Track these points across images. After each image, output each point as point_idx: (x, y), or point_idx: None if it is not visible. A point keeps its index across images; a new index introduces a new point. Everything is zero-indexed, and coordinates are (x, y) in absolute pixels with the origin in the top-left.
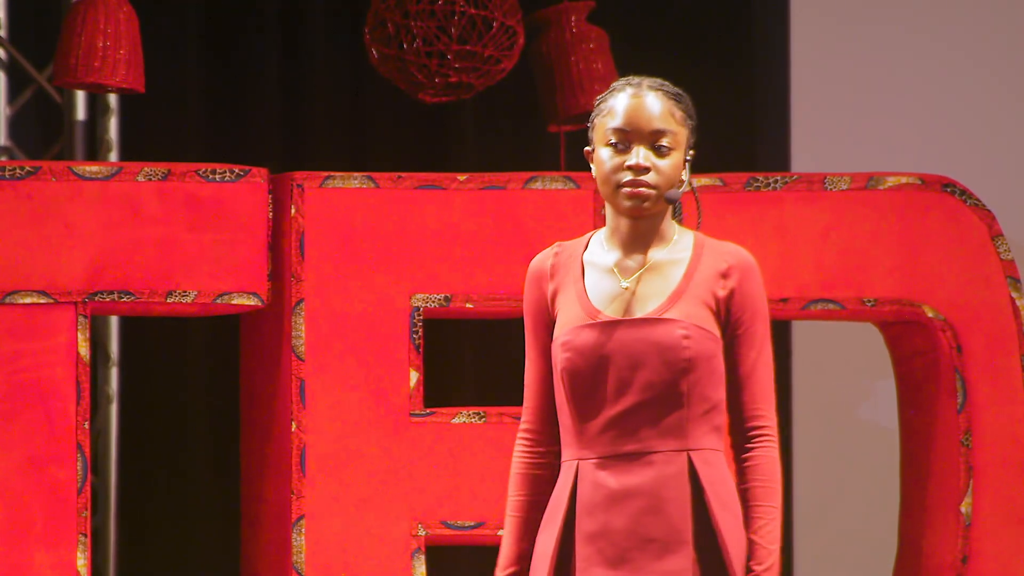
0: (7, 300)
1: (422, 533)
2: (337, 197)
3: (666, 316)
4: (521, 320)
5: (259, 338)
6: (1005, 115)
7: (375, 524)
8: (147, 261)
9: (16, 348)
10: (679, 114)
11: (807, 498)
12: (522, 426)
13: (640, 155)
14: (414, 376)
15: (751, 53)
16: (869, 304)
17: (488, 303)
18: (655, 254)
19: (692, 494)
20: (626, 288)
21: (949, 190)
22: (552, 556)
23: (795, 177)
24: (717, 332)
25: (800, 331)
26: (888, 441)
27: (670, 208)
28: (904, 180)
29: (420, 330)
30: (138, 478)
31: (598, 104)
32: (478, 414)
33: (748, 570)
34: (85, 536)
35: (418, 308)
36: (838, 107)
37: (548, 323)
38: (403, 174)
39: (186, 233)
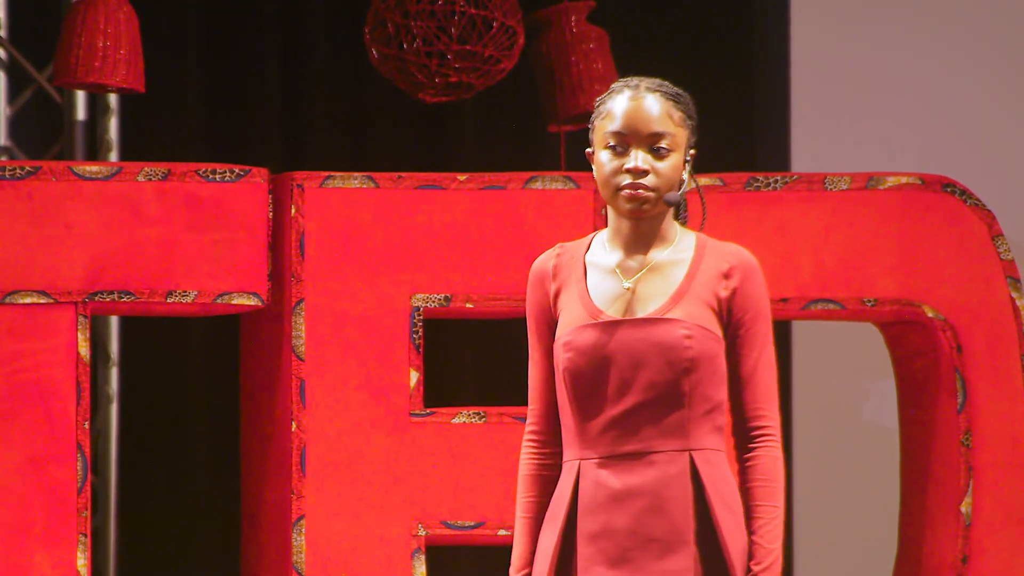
0: (7, 300)
1: (422, 533)
2: (337, 197)
3: (668, 316)
4: (521, 320)
5: (259, 338)
6: (1005, 115)
7: (375, 524)
8: (147, 261)
9: (16, 348)
10: (678, 115)
11: (807, 498)
12: (528, 427)
13: (639, 158)
14: (414, 376)
15: (751, 53)
16: (869, 304)
17: (488, 303)
18: (657, 255)
19: (694, 494)
20: (628, 288)
21: (949, 190)
22: (553, 555)
23: (795, 177)
24: (719, 332)
25: (800, 331)
26: (888, 441)
27: (671, 209)
28: (904, 180)
29: (420, 330)
30: (138, 478)
31: (597, 106)
32: (478, 414)
33: (748, 570)
34: (85, 536)
35: (418, 308)
36: (838, 107)
37: (551, 324)
38: (403, 174)
39: (186, 233)
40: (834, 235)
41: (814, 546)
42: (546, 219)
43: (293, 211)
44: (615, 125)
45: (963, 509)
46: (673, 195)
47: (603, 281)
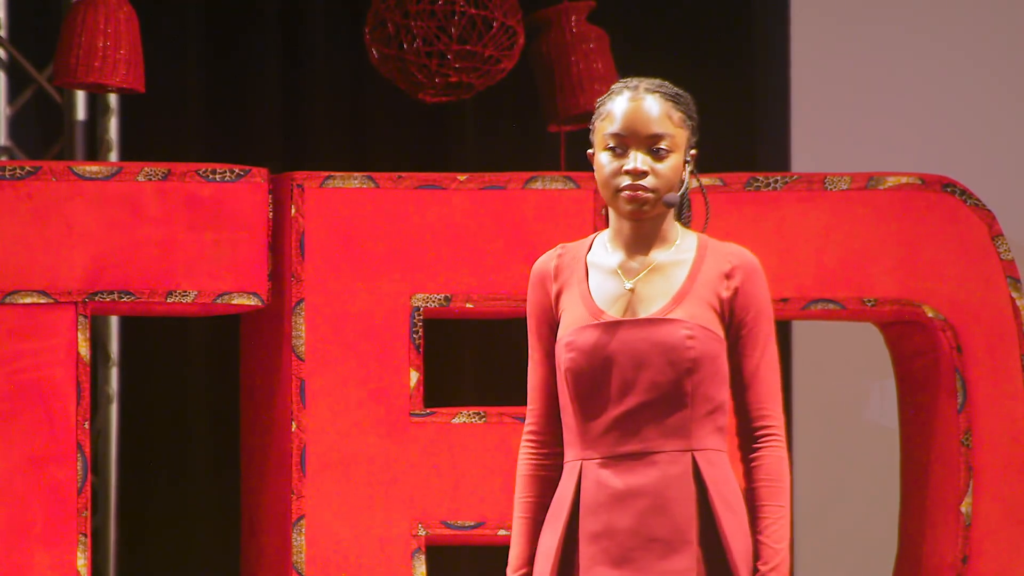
0: (7, 300)
1: (422, 533)
2: (337, 197)
3: (670, 316)
4: (521, 320)
5: (259, 338)
6: (1005, 115)
7: (375, 524)
8: (147, 261)
9: (16, 348)
10: (677, 116)
11: (807, 498)
12: (527, 428)
13: (638, 160)
14: (414, 376)
15: (751, 53)
16: (869, 304)
17: (488, 303)
18: (659, 255)
19: (696, 494)
20: (630, 289)
21: (949, 190)
22: (555, 555)
23: (795, 177)
24: (721, 333)
25: (800, 331)
26: (888, 441)
27: (672, 209)
28: (904, 180)
29: (420, 330)
30: (138, 478)
31: (598, 107)
32: (478, 414)
33: (755, 570)
34: (85, 536)
35: (418, 308)
36: (838, 107)
37: (552, 324)
38: (403, 174)
39: (186, 233)
40: (834, 235)
41: (814, 546)
42: (546, 219)
43: (293, 211)
44: (614, 127)
45: (963, 509)
46: (672, 196)
47: (605, 281)
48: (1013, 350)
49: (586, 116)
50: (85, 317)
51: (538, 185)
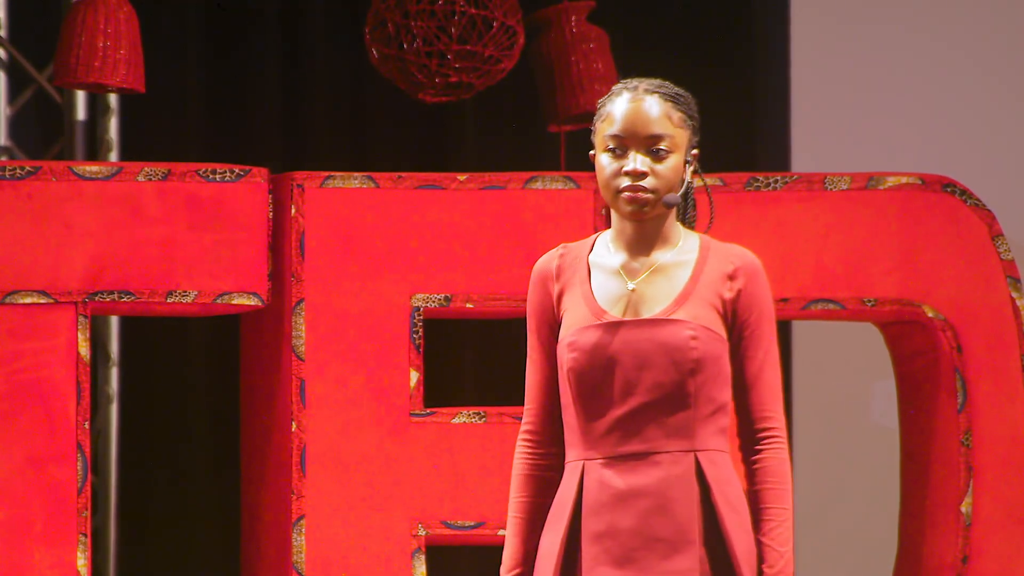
0: (7, 300)
1: (422, 533)
2: (337, 197)
3: (674, 317)
4: (521, 320)
5: (259, 338)
6: (1005, 115)
7: (375, 524)
8: (147, 261)
9: (16, 348)
10: (677, 116)
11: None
12: (524, 427)
13: (637, 161)
14: (414, 376)
15: (751, 53)
16: (869, 304)
17: (488, 303)
18: (661, 256)
19: (699, 494)
20: (632, 289)
21: (949, 190)
22: (558, 556)
23: (795, 177)
24: (724, 334)
25: (800, 331)
26: (888, 441)
27: (674, 210)
28: (904, 180)
29: (420, 330)
30: (138, 478)
31: (599, 108)
32: (478, 414)
33: (759, 572)
34: (85, 536)
35: (418, 308)
36: (838, 107)
37: (553, 324)
38: (403, 174)
39: (186, 233)
40: (834, 235)
41: (814, 546)
42: (546, 219)
43: (293, 211)
44: (614, 128)
45: (963, 509)
46: (672, 196)
47: (607, 282)
48: (1013, 350)
49: (586, 116)
50: (85, 317)
51: (538, 185)
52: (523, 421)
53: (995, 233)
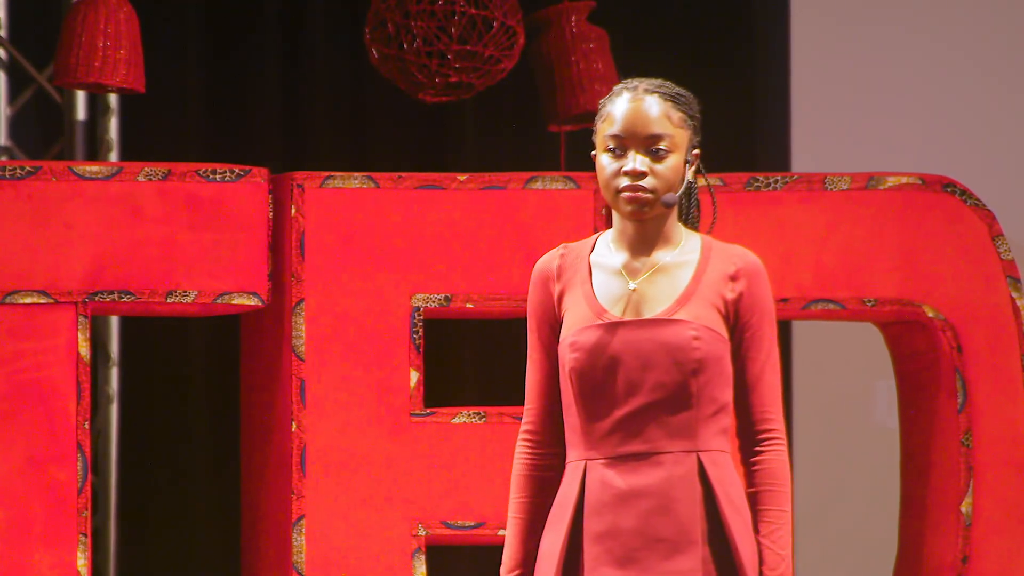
0: (7, 300)
1: (422, 533)
2: (337, 197)
3: (676, 317)
4: (521, 320)
5: (259, 338)
6: (1005, 115)
7: (375, 524)
8: (147, 261)
9: (16, 348)
10: (677, 116)
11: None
12: (524, 427)
13: (636, 160)
14: (414, 376)
15: (751, 53)
16: (869, 304)
17: (488, 303)
18: (663, 256)
19: (702, 495)
20: (634, 289)
21: (949, 190)
22: (560, 556)
23: (795, 177)
24: (725, 334)
25: (800, 331)
26: (888, 441)
27: (675, 210)
28: (904, 180)
29: (420, 330)
30: (138, 478)
31: (600, 108)
32: (478, 414)
33: (760, 575)
34: (85, 536)
35: (418, 308)
36: (838, 107)
37: (553, 324)
38: (403, 174)
39: (186, 233)
40: (834, 235)
41: (814, 546)
42: (546, 219)
43: (293, 211)
44: (614, 128)
45: (963, 509)
46: (671, 196)
47: (608, 282)
48: (1013, 350)
49: (586, 116)
50: (85, 317)
51: (538, 185)
52: (523, 421)
53: (995, 233)
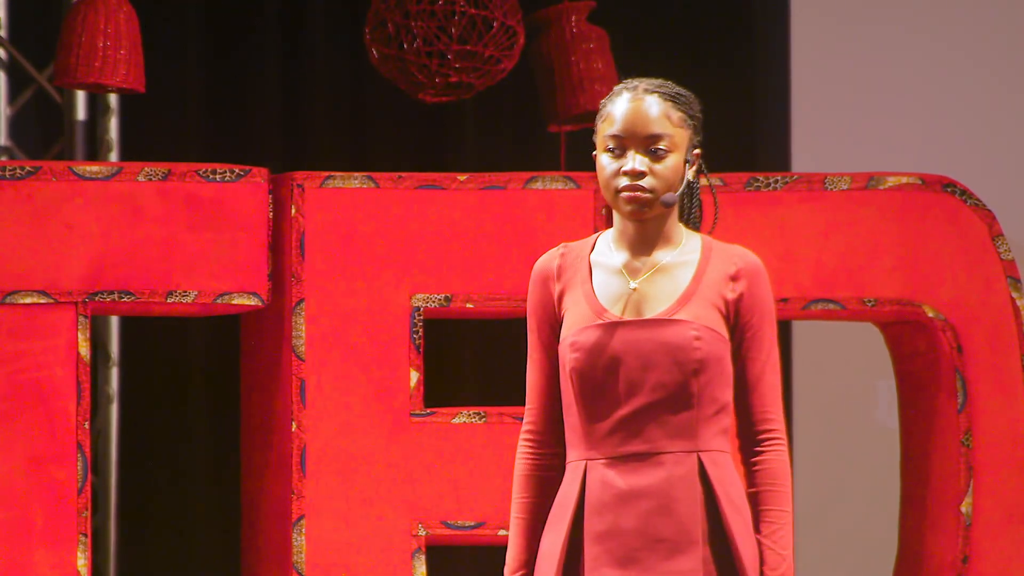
0: (7, 300)
1: (422, 533)
2: (337, 197)
3: (676, 317)
4: (521, 320)
5: (259, 338)
6: (1005, 115)
7: (375, 524)
8: (147, 261)
9: (16, 348)
10: (677, 116)
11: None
12: (525, 427)
13: (636, 160)
14: (414, 376)
15: (751, 53)
16: (869, 304)
17: (488, 303)
18: (663, 256)
19: (703, 495)
20: (634, 289)
21: (949, 190)
22: (560, 556)
23: (795, 177)
24: (726, 334)
25: (800, 331)
26: (888, 441)
27: (675, 210)
28: (904, 180)
29: (420, 330)
30: (138, 478)
31: (600, 108)
32: (478, 414)
33: (760, 575)
34: (85, 536)
35: (418, 308)
36: (838, 107)
37: (554, 324)
38: (403, 174)
39: (186, 233)
40: (834, 235)
41: (814, 546)
42: (546, 219)
43: (293, 211)
44: (613, 128)
45: (963, 509)
46: (670, 196)
47: (609, 281)
48: (1013, 350)
49: (586, 116)
50: (85, 317)
51: (538, 185)
52: (524, 421)
53: (995, 233)
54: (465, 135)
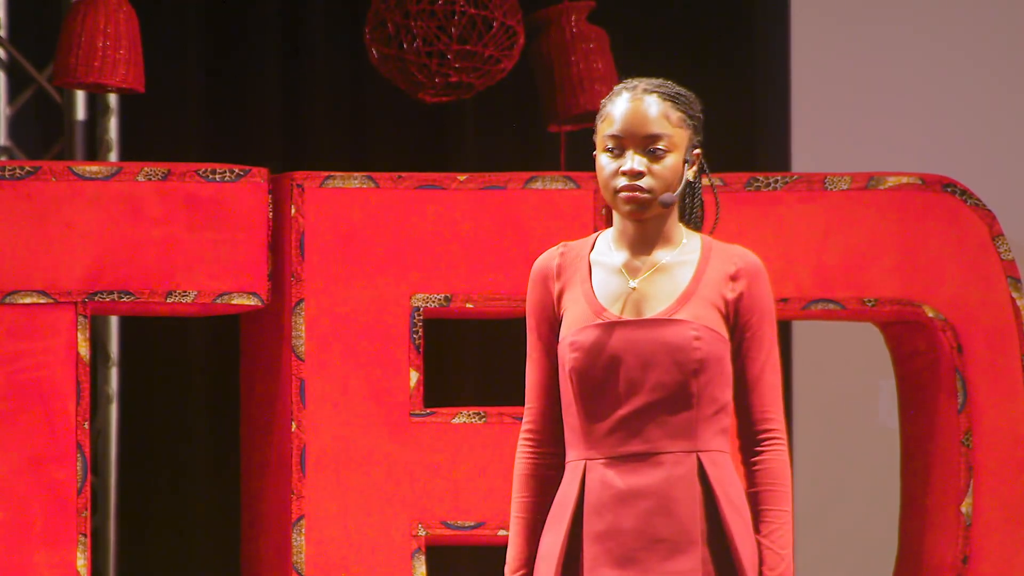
0: (7, 300)
1: (422, 533)
2: (337, 197)
3: (676, 317)
4: (521, 320)
5: (259, 338)
6: (1005, 115)
7: (375, 524)
8: (147, 261)
9: (16, 348)
10: (676, 116)
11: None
12: (525, 427)
13: (634, 160)
14: (414, 376)
15: (751, 53)
16: (869, 304)
17: (488, 303)
18: (663, 255)
19: (702, 495)
20: (634, 289)
21: (949, 190)
22: (559, 556)
23: (795, 177)
24: (726, 334)
25: (800, 331)
26: (888, 441)
27: (675, 210)
28: (904, 180)
29: (420, 330)
30: (138, 478)
31: (600, 108)
32: (478, 414)
33: (760, 575)
34: (85, 536)
35: (418, 308)
36: (838, 107)
37: (553, 323)
38: (403, 174)
39: (186, 233)
40: (834, 235)
41: (814, 546)
42: (546, 219)
43: (293, 211)
44: (613, 128)
45: (963, 509)
46: (669, 196)
47: (609, 280)
48: (1013, 350)
49: (586, 116)
50: (85, 317)
51: (538, 185)
52: (524, 421)
53: (995, 233)
54: (465, 135)
